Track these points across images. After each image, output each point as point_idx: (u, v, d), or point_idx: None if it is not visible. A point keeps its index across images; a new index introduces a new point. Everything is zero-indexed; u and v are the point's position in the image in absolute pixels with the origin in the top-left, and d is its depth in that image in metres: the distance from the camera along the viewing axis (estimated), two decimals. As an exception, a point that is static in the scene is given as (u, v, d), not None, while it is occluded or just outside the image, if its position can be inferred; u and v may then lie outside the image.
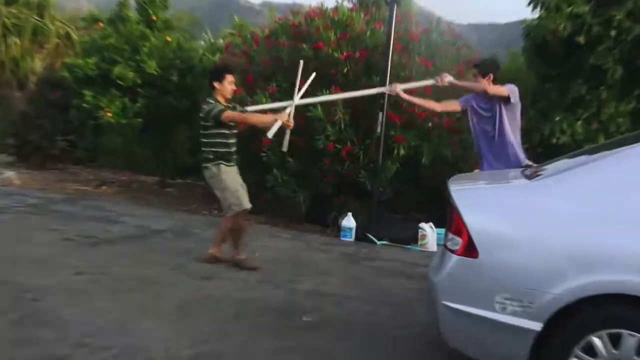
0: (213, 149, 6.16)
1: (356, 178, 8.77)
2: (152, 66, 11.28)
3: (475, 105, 6.11)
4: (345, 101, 8.57)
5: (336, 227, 8.83)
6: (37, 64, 21.44)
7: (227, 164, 6.23)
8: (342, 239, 8.38)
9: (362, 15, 9.69)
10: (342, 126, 8.63)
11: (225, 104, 6.21)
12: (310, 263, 6.78)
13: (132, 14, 13.24)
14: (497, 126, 5.94)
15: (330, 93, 8.49)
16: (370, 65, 9.07)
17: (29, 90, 18.63)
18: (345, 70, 8.95)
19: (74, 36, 22.26)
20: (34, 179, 11.96)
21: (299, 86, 6.74)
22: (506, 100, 5.86)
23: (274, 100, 8.94)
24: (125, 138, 13.06)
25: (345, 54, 8.94)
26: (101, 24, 13.99)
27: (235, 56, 10.59)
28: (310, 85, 8.26)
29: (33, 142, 13.75)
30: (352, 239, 8.36)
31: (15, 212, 8.37)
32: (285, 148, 6.79)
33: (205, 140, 6.19)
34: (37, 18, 21.68)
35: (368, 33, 9.23)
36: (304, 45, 9.18)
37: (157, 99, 11.62)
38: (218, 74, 6.32)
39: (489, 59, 6.77)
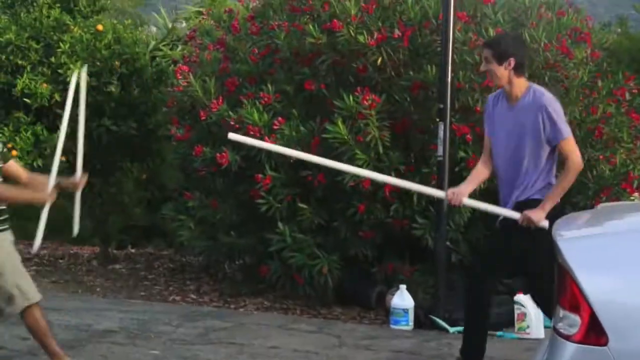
0: None
1: (409, 230, 8.92)
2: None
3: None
4: (384, 111, 8.80)
5: (383, 308, 8.96)
6: None
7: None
8: (393, 326, 8.49)
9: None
10: (381, 149, 8.79)
11: None
12: (345, 370, 6.93)
13: (40, -9, 13.49)
14: None
15: (356, 101, 8.68)
16: (418, 49, 9.26)
17: None
18: (379, 61, 9.13)
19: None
20: None
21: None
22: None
23: (273, 114, 9.17)
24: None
25: (376, 35, 9.08)
26: (-10, 11, 14.21)
27: (205, 49, 10.84)
28: (327, 88, 8.49)
29: None
30: (410, 325, 8.46)
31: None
32: (75, 232, 7.08)
33: None
34: None
35: (410, -1, 9.38)
36: (310, 27, 9.33)
37: (88, 124, 11.83)
38: None
39: (510, 33, 6.95)
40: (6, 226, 6.41)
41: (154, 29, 19.78)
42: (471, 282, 6.65)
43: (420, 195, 8.69)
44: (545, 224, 5.92)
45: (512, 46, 6.22)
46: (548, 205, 6.03)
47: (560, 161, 6.27)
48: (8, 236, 6.42)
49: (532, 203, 6.10)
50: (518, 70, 6.14)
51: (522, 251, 6.21)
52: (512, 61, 6.08)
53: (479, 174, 6.62)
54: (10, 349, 7.42)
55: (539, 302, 6.71)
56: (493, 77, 6.29)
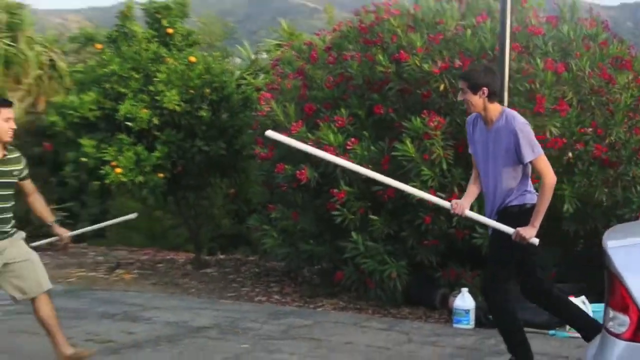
0: None
1: (470, 239, 8.87)
2: (172, 99, 11.63)
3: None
4: (447, 132, 8.76)
5: (446, 309, 8.92)
6: (14, 105, 22.29)
7: None
8: (456, 325, 8.45)
9: (457, 6, 9.81)
10: (444, 166, 8.76)
11: (1, 154, 6.38)
12: (414, 363, 6.90)
13: (140, 28, 13.67)
14: None
15: (423, 123, 8.68)
16: (476, 77, 9.21)
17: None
18: (442, 87, 9.11)
19: (62, 64, 23.09)
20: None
21: None
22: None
23: (347, 135, 9.18)
24: (143, 202, 13.44)
25: (439, 64, 9.08)
26: (98, 46, 14.43)
27: (286, 77, 10.89)
28: (395, 112, 8.49)
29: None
30: (471, 325, 8.42)
31: (2, 312, 8.74)
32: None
33: None
34: (9, 42, 22.59)
35: (468, 32, 9.32)
36: (380, 57, 9.40)
37: (182, 145, 11.99)
38: None
39: (481, 65, 6.96)
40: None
41: (237, 60, 19.93)
42: (484, 290, 6.69)
43: (481, 205, 8.67)
44: (535, 240, 6.06)
45: (484, 77, 6.21)
46: (537, 222, 6.09)
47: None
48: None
49: (511, 209, 6.20)
50: (491, 97, 6.15)
51: (516, 255, 6.24)
52: (486, 90, 6.11)
53: (472, 189, 6.70)
54: (117, 342, 7.50)
55: (532, 297, 6.66)
56: (469, 105, 6.25)
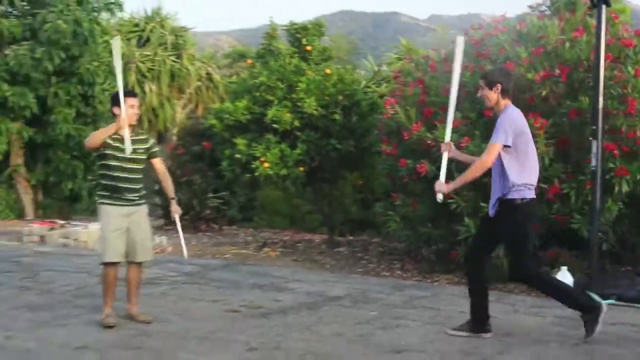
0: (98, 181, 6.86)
1: (568, 224, 8.75)
2: (311, 105, 11.84)
3: None
4: (549, 132, 8.66)
5: (547, 284, 8.83)
6: (178, 112, 22.94)
7: (110, 202, 6.70)
8: (556, 299, 8.36)
9: (557, 23, 9.70)
10: (547, 161, 8.65)
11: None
12: (520, 330, 6.82)
13: (283, 45, 13.97)
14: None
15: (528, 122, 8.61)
16: (574, 84, 9.08)
17: (170, 143, 20.03)
18: (544, 93, 9.00)
19: (216, 77, 23.65)
20: (188, 243, 12.81)
21: None
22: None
23: (460, 135, 9.18)
24: (285, 191, 13.71)
25: (541, 73, 8.99)
26: (249, 61, 14.84)
27: (407, 86, 10.94)
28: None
29: (182, 201, 14.74)
30: (569, 298, 8.31)
31: (170, 282, 9.03)
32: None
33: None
34: (174, 59, 23.22)
35: (567, 45, 9.20)
36: (489, 67, 9.29)
37: (319, 143, 12.18)
38: (117, 98, 6.70)
39: (498, 67, 7.07)
40: (122, 203, 6.74)
41: (361, 71, 20.09)
42: (467, 258, 6.90)
43: (579, 195, 8.60)
44: (439, 197, 6.57)
45: (498, 76, 6.35)
46: (453, 185, 6.63)
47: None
48: (124, 210, 6.75)
49: (505, 202, 6.30)
50: (503, 93, 6.25)
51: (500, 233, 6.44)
52: (499, 86, 6.23)
53: (468, 156, 7.22)
54: (267, 307, 7.66)
55: (519, 279, 6.81)
56: (485, 100, 6.39)
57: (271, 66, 12.87)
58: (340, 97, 12.31)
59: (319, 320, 6.95)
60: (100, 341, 6.15)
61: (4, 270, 9.67)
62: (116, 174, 6.67)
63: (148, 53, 22.86)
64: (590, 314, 6.24)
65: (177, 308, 7.59)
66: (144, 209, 6.94)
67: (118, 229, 6.67)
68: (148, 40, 23.48)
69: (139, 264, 6.90)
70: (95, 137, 6.65)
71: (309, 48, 13.31)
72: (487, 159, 6.25)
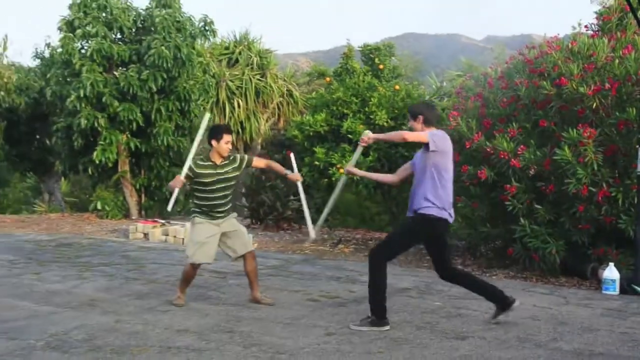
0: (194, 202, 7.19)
1: (616, 224, 8.61)
2: (382, 117, 11.92)
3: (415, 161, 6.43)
4: (597, 141, 8.56)
5: (596, 279, 8.69)
6: (262, 124, 23.23)
7: (203, 217, 7.07)
8: (604, 292, 8.21)
9: (606, 42, 9.56)
10: (595, 167, 8.53)
11: (218, 161, 7.01)
12: (571, 319, 6.74)
13: (358, 65, 14.06)
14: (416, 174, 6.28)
15: (578, 133, 8.51)
16: (623, 97, 8.91)
17: (255, 152, 20.30)
18: (594, 105, 8.86)
19: (296, 93, 23.86)
20: (272, 240, 13.05)
21: None
22: (426, 146, 6.06)
23: (517, 143, 9.13)
24: (358, 195, 13.78)
25: (592, 87, 8.85)
26: (327, 79, 14.97)
27: (468, 100, 10.91)
28: (555, 125, 8.33)
29: (266, 203, 14.96)
30: (617, 292, 8.16)
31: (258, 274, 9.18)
32: (169, 208, 7.34)
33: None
34: (259, 78, 23.52)
35: (616, 61, 9.01)
36: (544, 82, 9.25)
37: (389, 151, 12.22)
38: (217, 133, 7.00)
39: (421, 101, 6.88)
40: (210, 219, 7.10)
41: (425, 87, 20.08)
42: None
43: (625, 197, 8.47)
44: (363, 140, 6.46)
45: (421, 109, 6.45)
46: (379, 136, 6.70)
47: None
48: (213, 222, 7.09)
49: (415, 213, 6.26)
50: (426, 123, 6.28)
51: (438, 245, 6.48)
52: (421, 118, 6.28)
53: (389, 176, 7.39)
54: (342, 297, 7.73)
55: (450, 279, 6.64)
56: (414, 129, 6.35)
57: (347, 83, 13.01)
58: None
59: (389, 309, 6.90)
60: (199, 325, 6.28)
61: (113, 263, 9.94)
62: (207, 195, 7.03)
63: (236, 73, 23.17)
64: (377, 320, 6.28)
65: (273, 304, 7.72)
66: (232, 215, 7.29)
67: (212, 235, 7.04)
68: (237, 61, 23.77)
69: (250, 255, 7.24)
70: (170, 184, 7.07)
71: (381, 67, 13.40)
72: (409, 135, 6.27)
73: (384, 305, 6.30)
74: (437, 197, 6.14)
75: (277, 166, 7.49)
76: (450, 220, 6.31)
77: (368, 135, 6.43)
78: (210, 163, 6.98)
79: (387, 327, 6.24)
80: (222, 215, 7.10)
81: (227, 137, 7.01)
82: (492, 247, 10.83)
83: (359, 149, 6.83)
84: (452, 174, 6.32)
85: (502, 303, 6.45)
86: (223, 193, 7.05)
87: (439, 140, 6.13)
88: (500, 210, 9.55)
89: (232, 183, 7.12)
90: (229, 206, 7.18)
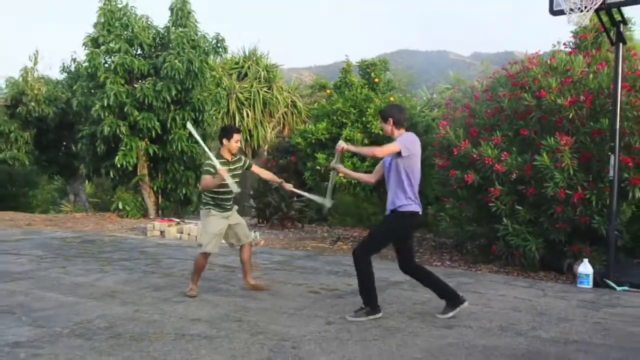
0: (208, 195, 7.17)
1: (590, 224, 8.61)
2: (377, 126, 11.90)
3: (386, 164, 6.36)
4: (573, 148, 8.57)
5: (571, 274, 8.69)
6: (268, 132, 23.27)
7: (215, 210, 7.14)
8: (579, 285, 8.20)
9: (582, 58, 9.58)
10: (571, 172, 8.53)
11: (229, 157, 7.15)
12: (549, 310, 6.74)
13: (356, 78, 14.04)
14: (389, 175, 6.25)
15: (555, 141, 8.52)
16: (596, 108, 8.93)
17: (262, 158, 20.31)
18: (570, 115, 8.87)
19: (300, 104, 23.90)
20: (277, 238, 13.04)
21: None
22: (398, 153, 6.01)
23: (500, 150, 9.13)
24: (355, 196, 13.75)
25: (569, 99, 8.85)
26: (328, 91, 14.97)
27: (456, 110, 10.92)
28: (535, 133, 8.32)
29: (272, 204, 14.97)
30: (590, 285, 8.15)
31: (263, 269, 9.11)
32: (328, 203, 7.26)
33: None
34: (266, 90, 23.57)
35: (590, 76, 9.04)
36: (525, 95, 9.26)
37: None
38: (228, 133, 7.16)
39: (392, 105, 6.88)
40: (222, 210, 7.21)
41: (416, 99, 20.09)
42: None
43: (598, 200, 8.48)
44: (338, 149, 6.32)
45: (391, 112, 6.26)
46: (354, 148, 6.52)
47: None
48: (224, 214, 7.22)
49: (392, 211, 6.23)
50: (396, 125, 6.20)
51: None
52: (391, 120, 6.18)
53: (366, 176, 7.21)
54: (341, 290, 7.73)
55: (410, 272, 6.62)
56: (385, 130, 6.31)
57: (346, 95, 13.00)
58: (401, 120, 12.29)
59: (383, 301, 6.96)
60: (210, 315, 6.28)
61: (132, 258, 9.94)
62: (220, 189, 7.07)
63: (246, 85, 23.24)
64: (371, 310, 6.25)
65: (274, 286, 7.75)
66: (234, 209, 7.42)
67: (221, 229, 7.18)
68: (246, 75, 23.84)
69: (248, 244, 7.45)
70: (208, 183, 6.97)
71: (377, 80, 13.39)
72: (379, 152, 6.21)
73: (375, 295, 6.29)
74: (413, 193, 6.20)
75: (271, 176, 7.65)
76: (421, 212, 6.37)
77: (342, 145, 6.39)
78: (223, 160, 7.09)
79: (380, 314, 6.24)
80: (230, 207, 7.27)
81: (236, 136, 7.18)
82: (477, 245, 10.82)
83: (337, 154, 6.70)
84: (419, 172, 6.34)
85: (453, 301, 6.37)
86: (229, 189, 7.10)
87: (410, 144, 6.11)
88: (485, 211, 9.54)
89: (238, 180, 7.23)
90: (232, 200, 7.36)
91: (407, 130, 6.36)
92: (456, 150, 9.68)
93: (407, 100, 12.85)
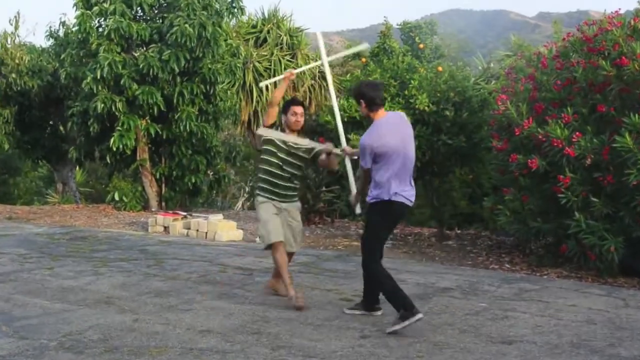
0: (260, 176, 7.33)
1: (680, 220, 8.51)
2: (423, 101, 11.84)
3: None
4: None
5: (659, 279, 8.62)
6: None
7: (266, 195, 7.17)
8: (668, 294, 8.15)
9: (674, 17, 9.43)
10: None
11: (290, 135, 7.23)
12: (631, 324, 6.66)
13: (397, 44, 13.98)
14: None
15: (638, 120, 8.42)
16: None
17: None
18: (660, 86, 8.77)
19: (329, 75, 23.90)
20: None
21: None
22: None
23: (572, 130, 9.04)
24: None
25: (657, 67, 8.73)
26: (363, 59, 14.92)
27: (519, 82, 10.82)
28: (615, 109, 8.21)
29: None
30: (682, 294, 8.09)
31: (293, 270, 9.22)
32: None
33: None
34: (289, 59, 23.54)
35: (684, 39, 8.96)
36: (603, 62, 9.15)
37: (430, 139, 12.14)
38: (284, 106, 7.37)
39: (361, 82, 7.21)
40: (275, 198, 7.20)
41: (470, 68, 19.94)
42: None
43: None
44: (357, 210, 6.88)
45: (361, 91, 6.49)
46: (356, 200, 6.88)
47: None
48: (277, 204, 7.21)
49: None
50: (370, 105, 6.38)
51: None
52: (363, 102, 6.41)
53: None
54: (379, 297, 7.70)
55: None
56: (362, 112, 6.59)
57: (385, 64, 12.94)
58: (452, 94, 12.25)
59: (430, 310, 6.95)
60: (223, 325, 6.31)
61: (131, 258, 10.02)
62: (275, 170, 7.14)
63: (265, 53, 23.22)
64: (405, 312, 6.17)
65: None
66: (295, 206, 7.41)
67: (274, 212, 7.15)
68: (265, 40, 23.83)
69: (290, 254, 7.42)
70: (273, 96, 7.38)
71: (422, 46, 13.33)
72: (364, 173, 6.49)
73: (403, 294, 6.31)
74: (380, 181, 6.40)
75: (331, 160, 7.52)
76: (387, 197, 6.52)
77: (346, 150, 7.04)
78: (285, 140, 7.21)
79: (420, 315, 6.18)
80: (285, 197, 7.29)
81: (294, 108, 7.28)
82: (543, 244, 10.78)
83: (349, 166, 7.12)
84: (398, 153, 6.42)
85: (403, 313, 6.22)
86: (288, 172, 7.22)
87: (376, 142, 6.28)
88: (553, 204, 9.48)
89: (300, 164, 7.28)
90: (295, 191, 7.42)
91: (458, 107, 6.45)
92: (518, 130, 9.62)
93: (458, 70, 12.70)
